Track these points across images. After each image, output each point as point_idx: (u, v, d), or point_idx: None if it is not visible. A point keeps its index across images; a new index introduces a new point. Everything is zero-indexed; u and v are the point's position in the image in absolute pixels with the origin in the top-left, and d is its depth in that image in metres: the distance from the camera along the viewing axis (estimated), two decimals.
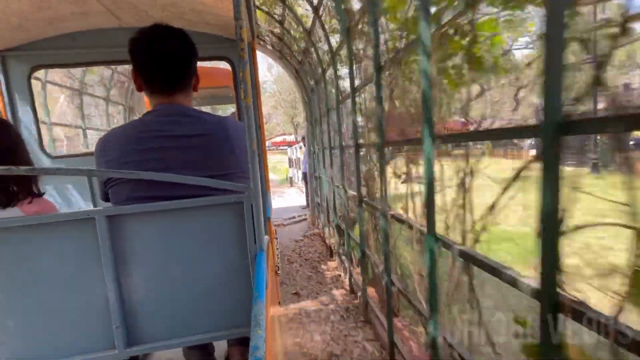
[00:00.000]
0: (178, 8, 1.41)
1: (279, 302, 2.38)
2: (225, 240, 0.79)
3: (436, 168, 1.24)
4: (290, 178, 12.99)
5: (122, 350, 0.75)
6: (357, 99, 2.52)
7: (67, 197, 1.69)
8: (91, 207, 1.38)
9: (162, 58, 0.86)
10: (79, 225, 0.71)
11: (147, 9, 1.40)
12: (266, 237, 0.87)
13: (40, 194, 0.97)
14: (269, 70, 35.37)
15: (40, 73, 2.80)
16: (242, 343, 1.05)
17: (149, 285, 0.76)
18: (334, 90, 3.44)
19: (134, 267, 0.75)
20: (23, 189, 0.93)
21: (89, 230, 0.71)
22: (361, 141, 2.55)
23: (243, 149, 0.89)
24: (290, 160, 13.54)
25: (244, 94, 0.69)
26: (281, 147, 48.65)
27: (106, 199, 0.91)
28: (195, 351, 1.10)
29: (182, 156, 0.85)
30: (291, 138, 48.78)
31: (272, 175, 12.58)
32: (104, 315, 0.74)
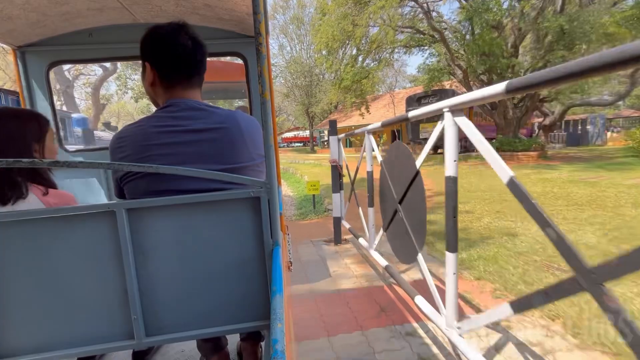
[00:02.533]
0: (192, 3, 1.49)
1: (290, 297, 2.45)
2: (241, 234, 0.85)
3: None
4: (338, 226, 4.42)
5: (141, 340, 0.82)
6: None
7: (82, 192, 1.80)
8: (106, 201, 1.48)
9: (182, 54, 0.96)
10: (100, 218, 0.78)
11: (161, 4, 1.49)
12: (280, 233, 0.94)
13: (54, 187, 1.09)
14: (280, 52, 35.90)
15: None
16: (254, 337, 1.14)
17: (166, 278, 0.83)
18: None
19: (152, 259, 0.82)
20: (42, 180, 1.06)
21: (109, 223, 0.78)
22: None
23: (255, 142, 1.00)
24: (336, 168, 4.43)
25: (261, 89, 0.76)
26: (293, 144, 49.03)
27: (120, 195, 1.00)
28: (209, 344, 1.18)
29: (197, 150, 0.92)
30: (305, 134, 49.20)
31: (285, 189, 11.15)
32: (124, 306, 0.81)
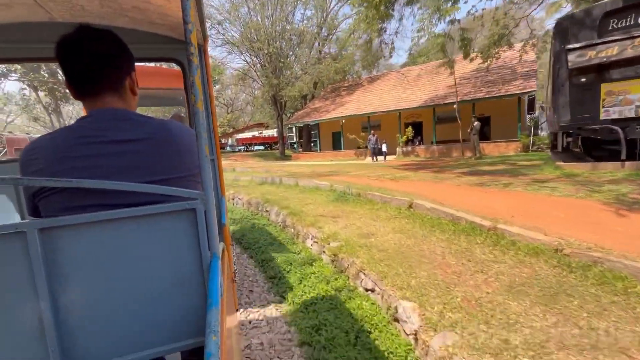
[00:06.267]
0: (119, 4, 1.42)
1: (237, 310, 2.47)
2: (177, 249, 0.83)
3: None
4: None
5: None
6: None
7: None
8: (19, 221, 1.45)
9: (83, 60, 0.92)
10: (7, 240, 0.73)
11: (83, 3, 1.40)
12: (221, 244, 1.02)
13: None
14: (233, 11, 24.08)
15: None
16: (196, 355, 1.06)
17: (91, 302, 0.79)
18: None
19: (73, 283, 0.77)
20: None
21: (19, 246, 0.73)
22: None
23: (190, 151, 0.98)
24: None
25: (194, 99, 0.78)
26: (253, 147, 37.60)
27: (34, 214, 0.94)
28: None
29: (124, 162, 0.89)
30: (269, 133, 38.00)
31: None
32: (39, 337, 0.75)
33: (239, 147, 36.14)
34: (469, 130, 13.68)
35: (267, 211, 6.68)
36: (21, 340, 0.74)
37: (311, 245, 4.57)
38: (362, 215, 5.12)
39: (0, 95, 31.11)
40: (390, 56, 12.36)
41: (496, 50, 13.08)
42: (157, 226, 0.80)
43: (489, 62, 13.72)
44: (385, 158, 16.18)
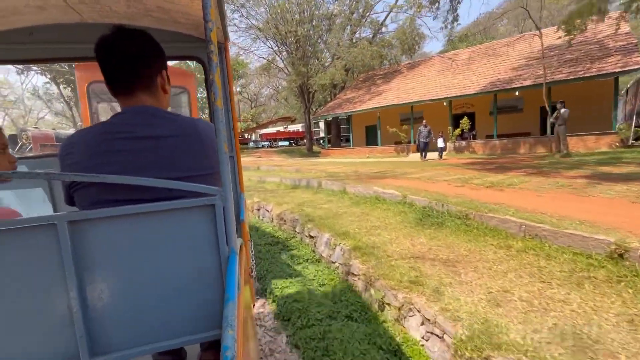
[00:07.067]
0: (144, 4, 1.45)
1: (254, 305, 2.55)
2: (197, 243, 0.85)
3: None
4: None
5: None
6: None
7: (24, 204, 1.80)
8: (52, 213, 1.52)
9: (115, 60, 0.95)
10: (39, 231, 0.74)
11: (111, 4, 1.44)
12: (239, 240, 1.03)
13: None
14: None
15: None
16: (215, 347, 1.08)
17: (116, 292, 0.80)
18: None
19: (99, 273, 0.79)
20: None
21: (50, 237, 0.75)
22: None
23: (215, 148, 0.95)
24: None
25: (214, 96, 0.81)
26: (277, 142, 35.53)
27: (71, 203, 0.97)
28: (167, 357, 1.16)
29: (152, 158, 0.90)
30: (294, 128, 35.79)
31: None
32: (67, 325, 0.77)
33: (263, 143, 34.27)
34: (552, 119, 10.82)
35: (310, 236, 4.43)
36: (52, 327, 0.77)
37: (424, 336, 2.26)
38: (500, 263, 2.74)
39: (28, 88, 31.03)
40: (453, 25, 9.80)
41: (585, 20, 10.25)
42: (177, 221, 0.82)
43: (573, 35, 10.91)
44: (442, 155, 13.47)
